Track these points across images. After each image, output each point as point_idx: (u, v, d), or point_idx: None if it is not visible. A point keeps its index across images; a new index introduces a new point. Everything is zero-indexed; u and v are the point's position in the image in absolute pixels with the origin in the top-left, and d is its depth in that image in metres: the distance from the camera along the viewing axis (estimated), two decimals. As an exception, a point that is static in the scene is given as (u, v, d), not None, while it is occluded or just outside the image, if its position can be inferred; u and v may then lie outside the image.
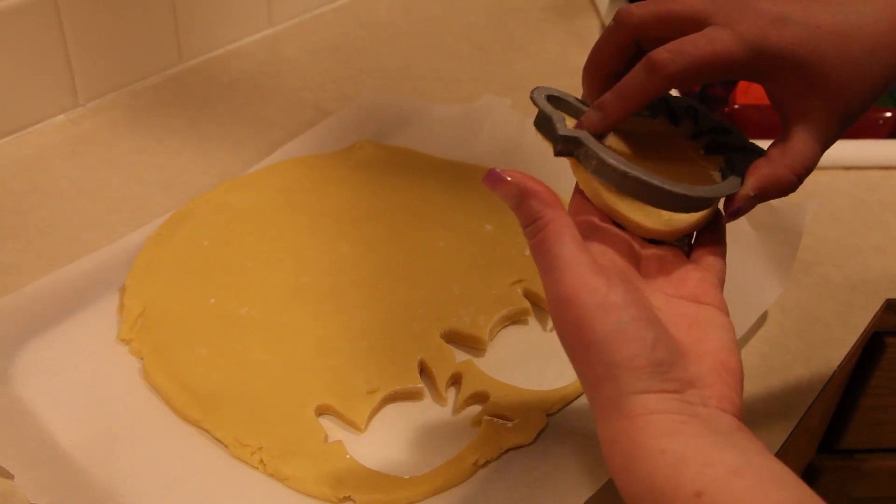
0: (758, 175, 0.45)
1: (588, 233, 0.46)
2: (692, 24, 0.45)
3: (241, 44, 0.92)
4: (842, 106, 0.44)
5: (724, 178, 0.47)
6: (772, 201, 0.66)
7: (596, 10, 0.99)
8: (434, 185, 0.73)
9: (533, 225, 0.41)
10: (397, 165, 0.75)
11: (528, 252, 0.58)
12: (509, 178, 0.41)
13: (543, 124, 0.46)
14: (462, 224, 0.69)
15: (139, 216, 0.71)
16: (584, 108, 0.47)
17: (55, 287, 0.63)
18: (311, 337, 0.61)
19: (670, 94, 0.50)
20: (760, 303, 0.64)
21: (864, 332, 0.66)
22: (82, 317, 0.62)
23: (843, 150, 0.80)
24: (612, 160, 0.44)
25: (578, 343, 0.39)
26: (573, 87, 0.85)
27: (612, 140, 0.48)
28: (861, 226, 0.74)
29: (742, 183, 0.46)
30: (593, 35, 0.95)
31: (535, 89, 0.46)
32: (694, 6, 0.45)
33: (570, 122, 0.46)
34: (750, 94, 0.82)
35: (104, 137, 0.79)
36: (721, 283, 0.46)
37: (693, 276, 0.45)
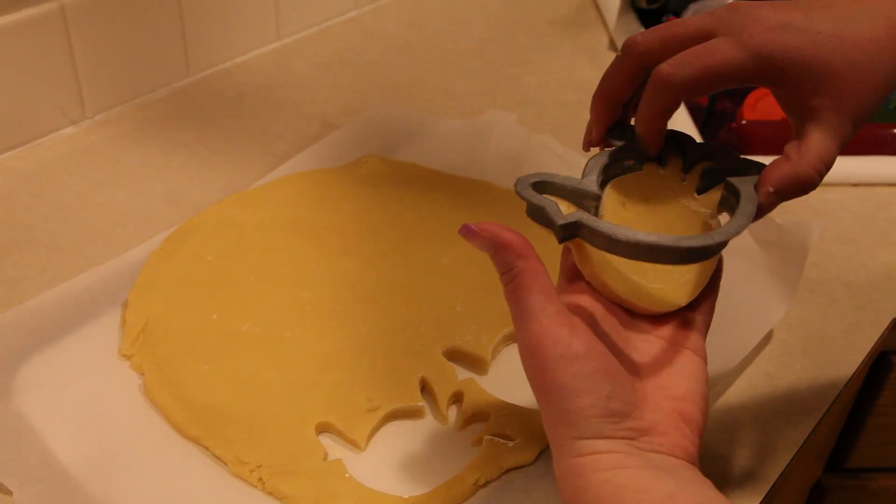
0: (777, 173, 0.45)
1: (576, 276, 0.48)
2: (698, 42, 0.46)
3: (249, 57, 0.92)
4: (850, 105, 0.45)
5: (724, 205, 0.48)
6: (778, 220, 0.67)
7: (604, 24, 0.99)
8: (439, 201, 0.73)
9: (506, 275, 0.43)
10: (403, 180, 0.75)
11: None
12: (481, 233, 0.43)
13: (537, 216, 0.45)
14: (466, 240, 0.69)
15: (144, 230, 0.71)
16: (571, 184, 0.46)
17: (58, 301, 0.63)
18: (313, 353, 0.60)
19: None
20: (766, 321, 0.64)
21: (870, 351, 0.66)
22: (85, 332, 0.62)
23: (851, 167, 0.79)
24: (620, 233, 0.43)
25: (540, 388, 0.42)
26: (580, 101, 0.86)
27: (607, 210, 0.47)
28: (869, 244, 0.74)
29: (752, 212, 0.45)
30: (601, 49, 0.95)
31: (517, 182, 0.45)
32: (697, 25, 0.46)
33: (562, 204, 0.46)
34: (758, 109, 0.82)
35: (111, 150, 0.79)
36: (707, 328, 0.48)
37: (679, 320, 0.47)
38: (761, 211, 0.46)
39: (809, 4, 0.45)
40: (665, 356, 0.46)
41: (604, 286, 0.47)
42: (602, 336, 0.45)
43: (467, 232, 0.44)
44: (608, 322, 0.46)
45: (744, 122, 0.81)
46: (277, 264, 0.66)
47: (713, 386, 0.60)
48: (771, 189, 0.45)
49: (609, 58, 0.93)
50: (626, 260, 0.45)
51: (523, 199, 0.45)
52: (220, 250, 0.67)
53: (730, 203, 0.47)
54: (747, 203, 0.46)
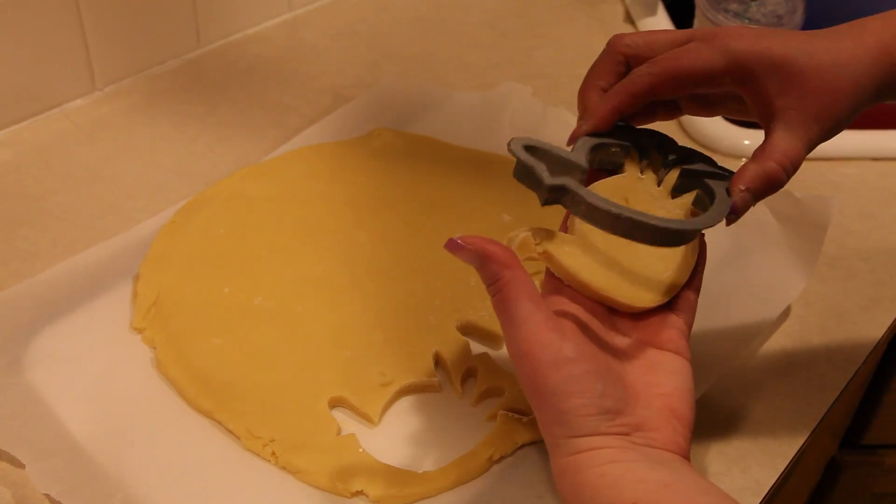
0: (747, 173, 0.48)
1: (556, 289, 0.49)
2: (678, 46, 0.49)
3: (260, 28, 0.91)
4: (816, 107, 0.47)
5: (698, 205, 0.50)
6: (797, 194, 0.66)
7: (620, -5, 0.97)
8: (452, 174, 0.72)
9: (493, 285, 0.44)
10: (416, 153, 0.74)
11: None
12: (468, 246, 0.44)
13: (525, 175, 0.46)
14: (480, 214, 0.68)
15: (155, 203, 0.71)
16: (561, 153, 0.47)
17: (70, 274, 0.62)
18: (326, 328, 0.60)
19: (635, 129, 0.52)
20: (784, 297, 0.63)
21: (889, 328, 0.65)
22: (96, 304, 0.61)
23: (871, 141, 0.78)
24: (602, 203, 0.44)
25: (533, 392, 0.43)
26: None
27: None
28: (889, 219, 0.73)
29: (725, 210, 0.47)
30: (617, 21, 0.94)
31: (511, 140, 0.46)
32: (680, 33, 0.50)
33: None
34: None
35: (121, 123, 0.79)
36: (689, 327, 0.49)
37: (660, 321, 0.48)
38: (735, 211, 0.47)
39: (789, 32, 0.49)
40: (648, 356, 0.47)
41: (583, 286, 0.48)
42: (591, 338, 0.46)
43: (453, 246, 0.45)
44: (593, 324, 0.47)
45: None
46: (290, 238, 0.66)
47: (731, 360, 0.60)
48: (742, 187, 0.47)
49: (625, 30, 0.92)
50: (602, 258, 0.47)
51: (514, 155, 0.46)
52: (231, 224, 0.67)
53: (704, 203, 0.49)
54: (721, 202, 0.48)
